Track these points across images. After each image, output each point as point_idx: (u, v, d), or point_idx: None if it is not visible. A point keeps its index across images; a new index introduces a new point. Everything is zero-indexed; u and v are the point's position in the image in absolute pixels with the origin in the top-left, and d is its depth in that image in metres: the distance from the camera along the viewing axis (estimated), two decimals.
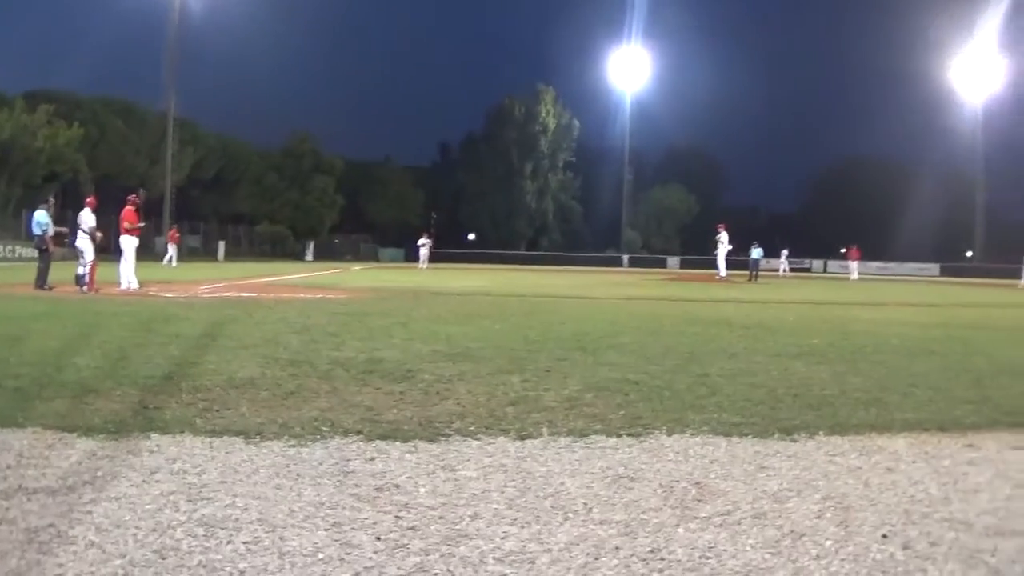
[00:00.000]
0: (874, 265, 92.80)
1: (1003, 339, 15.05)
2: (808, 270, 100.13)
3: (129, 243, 24.02)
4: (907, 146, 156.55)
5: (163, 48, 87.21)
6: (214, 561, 3.86)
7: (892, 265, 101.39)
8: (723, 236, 47.76)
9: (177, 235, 58.80)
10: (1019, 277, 56.17)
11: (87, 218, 23.31)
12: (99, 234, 23.59)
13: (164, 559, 3.85)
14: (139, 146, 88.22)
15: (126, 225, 24.16)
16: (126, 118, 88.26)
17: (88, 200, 24.15)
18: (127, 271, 23.55)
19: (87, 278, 22.51)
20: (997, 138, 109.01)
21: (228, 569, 3.78)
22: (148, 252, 49.75)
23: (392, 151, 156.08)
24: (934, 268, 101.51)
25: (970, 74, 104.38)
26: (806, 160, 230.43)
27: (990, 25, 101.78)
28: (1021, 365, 11.25)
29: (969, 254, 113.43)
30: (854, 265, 68.65)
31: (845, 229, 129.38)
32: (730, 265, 49.28)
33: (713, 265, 51.11)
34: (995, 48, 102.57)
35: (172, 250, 54.65)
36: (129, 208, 24.46)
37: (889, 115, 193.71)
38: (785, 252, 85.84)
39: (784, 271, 79.96)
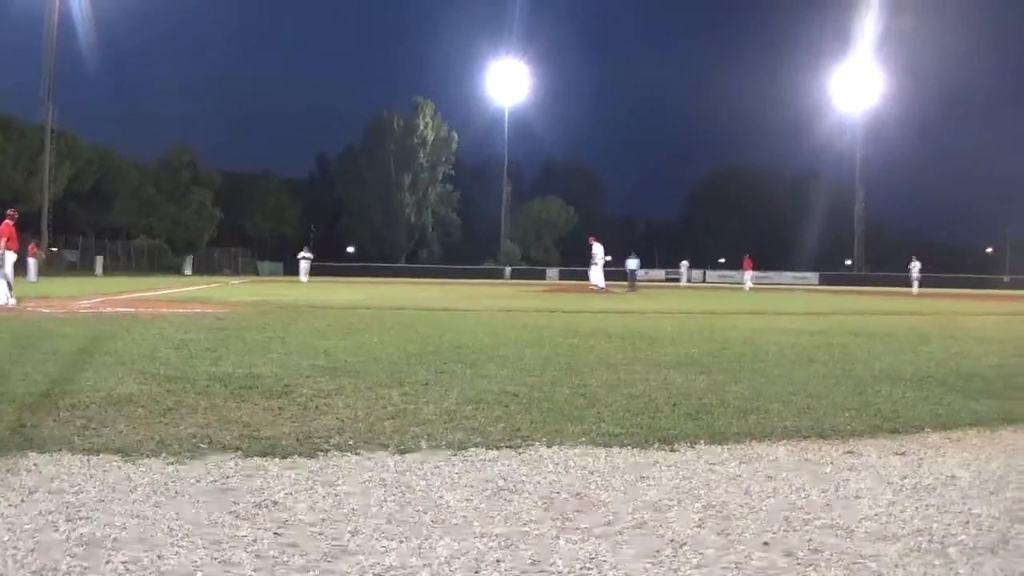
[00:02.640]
0: (752, 274, 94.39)
1: (882, 346, 15.35)
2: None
3: (8, 259, 23.60)
4: (787, 157, 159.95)
5: (40, 57, 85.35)
6: None
7: (771, 274, 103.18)
8: (597, 249, 48.12)
9: (36, 249, 57.31)
10: (909, 285, 57.49)
11: None
12: None
13: None
14: (15, 159, 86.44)
15: (4, 241, 23.75)
16: (3, 130, 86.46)
17: None
18: (3, 287, 23.08)
19: None
20: (875, 150, 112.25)
21: None
22: (25, 268, 48.62)
23: (270, 164, 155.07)
24: (812, 277, 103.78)
25: (849, 87, 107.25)
26: (685, 171, 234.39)
27: (867, 39, 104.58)
28: (900, 371, 11.48)
29: (848, 263, 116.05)
30: (747, 275, 69.05)
31: (725, 239, 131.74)
32: (608, 276, 49.58)
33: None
34: (872, 62, 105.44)
35: (32, 264, 53.34)
36: (8, 223, 24.14)
37: (769, 126, 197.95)
38: (685, 263, 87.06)
39: (687, 281, 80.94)
